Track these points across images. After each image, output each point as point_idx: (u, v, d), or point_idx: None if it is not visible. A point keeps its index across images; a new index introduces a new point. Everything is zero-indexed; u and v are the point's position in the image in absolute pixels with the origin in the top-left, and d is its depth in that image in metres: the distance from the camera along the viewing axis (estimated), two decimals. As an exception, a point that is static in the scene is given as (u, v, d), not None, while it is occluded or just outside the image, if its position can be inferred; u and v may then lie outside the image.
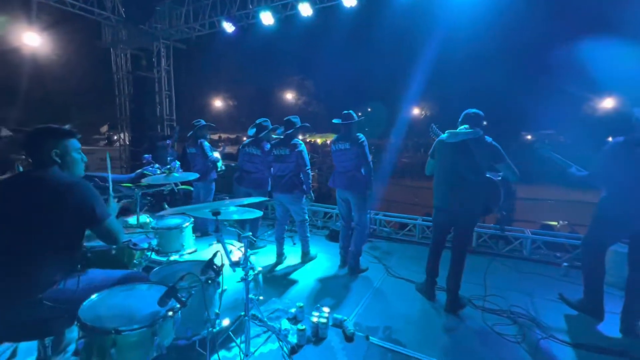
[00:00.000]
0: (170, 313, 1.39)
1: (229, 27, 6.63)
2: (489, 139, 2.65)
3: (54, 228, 1.53)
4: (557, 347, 2.42)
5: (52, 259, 1.53)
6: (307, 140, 23.81)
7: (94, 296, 1.46)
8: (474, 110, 2.76)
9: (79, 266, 1.73)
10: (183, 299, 1.43)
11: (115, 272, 1.77)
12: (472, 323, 2.68)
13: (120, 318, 1.32)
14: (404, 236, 4.87)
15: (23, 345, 2.11)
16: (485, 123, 2.74)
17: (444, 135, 2.78)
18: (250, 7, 6.37)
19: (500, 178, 2.71)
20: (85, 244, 2.10)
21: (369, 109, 31.10)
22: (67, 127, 1.71)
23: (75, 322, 1.30)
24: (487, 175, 2.71)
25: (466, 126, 2.71)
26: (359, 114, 3.62)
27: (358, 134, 3.42)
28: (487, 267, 2.98)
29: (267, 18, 6.17)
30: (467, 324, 2.67)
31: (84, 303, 1.40)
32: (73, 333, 1.97)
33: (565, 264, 3.70)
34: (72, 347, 1.98)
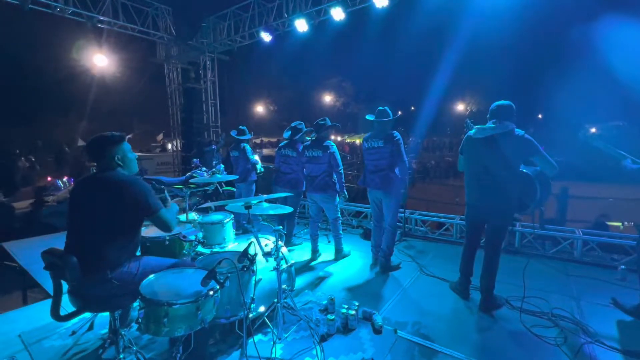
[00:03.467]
0: (211, 292, 1.62)
1: (266, 37, 7.03)
2: (520, 132, 2.54)
3: (118, 219, 1.82)
4: (603, 352, 2.27)
5: (117, 245, 1.84)
6: (347, 141, 23.95)
7: (151, 276, 1.74)
8: (502, 102, 2.64)
9: (138, 253, 2.06)
10: (221, 281, 1.65)
11: (167, 259, 2.07)
12: (507, 323, 2.60)
13: (171, 294, 1.59)
14: (441, 236, 4.78)
15: (98, 320, 2.52)
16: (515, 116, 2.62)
17: (471, 131, 2.74)
18: (286, 15, 6.69)
19: (537, 172, 2.58)
20: (145, 235, 2.46)
21: (412, 108, 30.33)
22: (117, 133, 1.99)
23: (138, 297, 1.58)
24: (523, 170, 2.60)
25: (493, 121, 2.63)
26: (399, 112, 3.49)
27: (393, 132, 3.33)
28: (525, 265, 2.85)
29: (301, 25, 6.44)
30: (502, 324, 2.59)
31: (144, 281, 1.69)
32: (135, 312, 2.33)
33: (622, 267, 3.38)
34: (135, 325, 2.33)
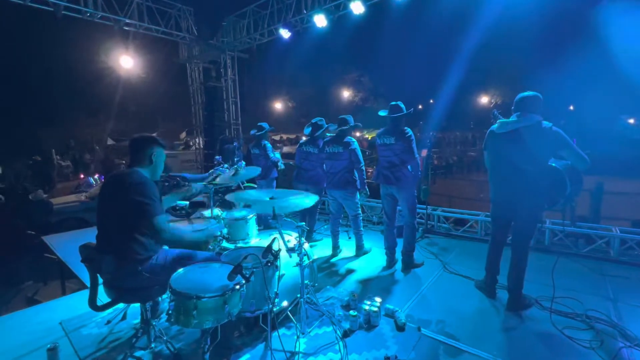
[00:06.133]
0: (237, 287, 1.66)
1: (285, 34, 7.05)
2: (547, 124, 2.40)
3: (129, 216, 1.87)
4: (644, 358, 2.14)
5: (142, 239, 1.90)
6: (366, 137, 23.68)
7: (180, 270, 1.81)
8: (526, 93, 2.51)
9: (166, 247, 2.14)
10: (247, 276, 1.68)
11: (193, 252, 2.13)
12: (536, 324, 2.51)
13: (199, 287, 1.64)
14: (465, 233, 4.66)
15: (130, 310, 2.65)
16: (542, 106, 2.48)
17: (494, 126, 2.63)
18: (305, 11, 6.67)
19: (567, 166, 2.44)
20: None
21: (431, 100, 29.59)
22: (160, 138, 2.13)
23: (168, 289, 1.65)
24: (552, 164, 2.47)
25: (517, 114, 2.51)
26: (420, 107, 3.40)
27: (405, 128, 3.28)
28: (554, 264, 2.71)
29: (320, 20, 6.40)
30: (531, 325, 2.50)
31: (173, 275, 1.75)
32: (164, 304, 2.42)
33: (664, 267, 3.17)
34: (164, 317, 2.43)
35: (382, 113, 3.43)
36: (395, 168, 3.31)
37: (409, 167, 3.28)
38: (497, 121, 2.62)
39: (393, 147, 3.31)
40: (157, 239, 1.97)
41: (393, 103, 3.35)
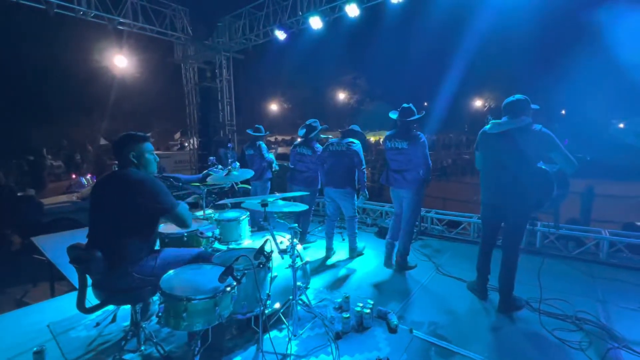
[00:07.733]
0: (228, 288, 1.65)
1: (280, 35, 7.04)
2: (537, 126, 2.44)
3: (132, 216, 1.87)
4: (632, 359, 2.17)
5: (135, 239, 1.89)
6: (361, 139, 23.63)
7: (171, 272, 1.79)
8: (515, 97, 2.54)
9: (157, 247, 2.12)
10: (238, 277, 1.67)
11: (185, 250, 2.12)
12: (527, 325, 2.53)
13: (190, 289, 1.63)
14: (457, 235, 4.69)
15: (120, 312, 2.62)
16: (535, 107, 2.51)
17: (487, 127, 2.66)
18: (300, 13, 6.68)
19: (556, 169, 2.48)
20: (163, 231, 2.53)
21: (425, 103, 29.79)
22: (141, 133, 2.07)
23: (158, 291, 1.63)
24: (542, 167, 2.50)
25: (508, 116, 2.54)
26: (422, 111, 3.30)
27: (418, 133, 3.26)
28: (540, 265, 2.74)
29: (315, 22, 6.41)
30: (521, 326, 2.52)
31: (164, 276, 1.74)
32: (155, 306, 2.39)
33: (652, 269, 3.22)
34: (154, 319, 2.41)
35: (392, 115, 3.38)
36: (406, 172, 3.30)
37: (420, 171, 3.26)
38: (490, 122, 2.65)
39: (405, 152, 3.28)
40: (183, 228, 2.04)
41: (405, 105, 3.32)
